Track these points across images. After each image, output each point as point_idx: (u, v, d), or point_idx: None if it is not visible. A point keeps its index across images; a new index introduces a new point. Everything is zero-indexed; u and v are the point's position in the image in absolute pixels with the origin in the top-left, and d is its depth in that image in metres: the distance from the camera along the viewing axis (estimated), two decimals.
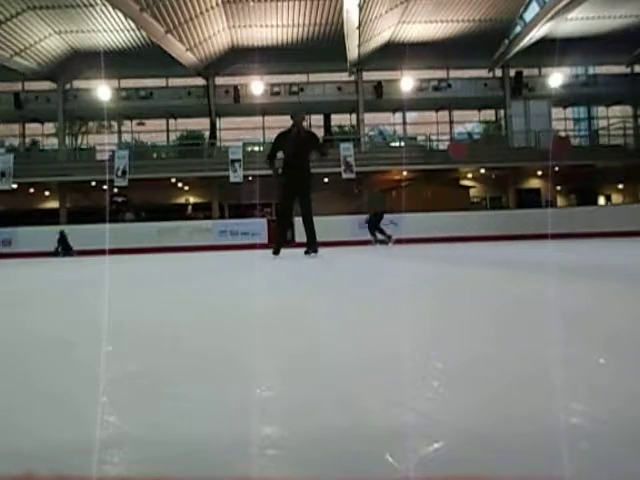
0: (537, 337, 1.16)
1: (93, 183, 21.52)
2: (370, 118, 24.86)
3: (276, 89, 23.55)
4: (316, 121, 25.65)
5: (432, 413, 0.66)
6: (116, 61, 22.62)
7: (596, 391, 0.74)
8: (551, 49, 19.65)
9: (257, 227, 17.34)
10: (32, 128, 26.00)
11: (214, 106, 23.68)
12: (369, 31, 19.94)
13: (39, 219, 21.29)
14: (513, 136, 23.30)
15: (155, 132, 26.47)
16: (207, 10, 19.67)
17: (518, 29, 21.01)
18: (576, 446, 0.54)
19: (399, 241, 12.23)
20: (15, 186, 21.02)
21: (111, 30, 21.23)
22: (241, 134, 26.02)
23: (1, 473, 0.52)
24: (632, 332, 1.17)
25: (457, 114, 26.05)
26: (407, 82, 23.08)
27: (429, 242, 13.91)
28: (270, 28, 21.93)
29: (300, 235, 6.99)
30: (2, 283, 4.42)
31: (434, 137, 25.01)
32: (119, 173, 20.50)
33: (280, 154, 6.57)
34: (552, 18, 18.15)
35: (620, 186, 25.05)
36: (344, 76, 23.17)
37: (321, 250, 6.64)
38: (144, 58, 22.53)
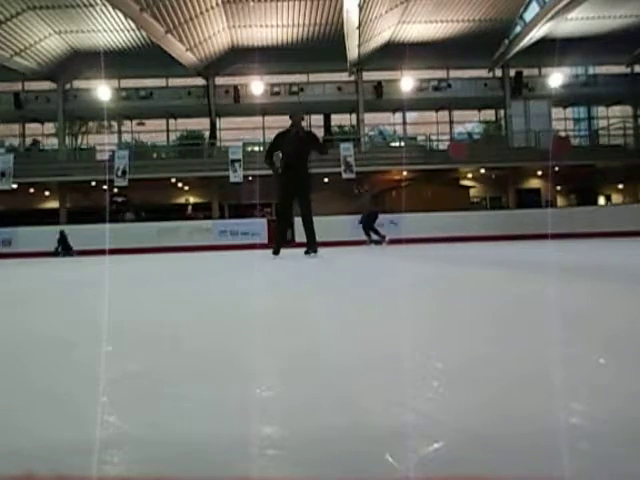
0: (537, 337, 1.16)
1: (93, 183, 21.52)
2: (370, 118, 24.86)
3: (276, 89, 23.56)
4: (316, 121, 25.65)
5: (432, 413, 0.66)
6: (116, 61, 22.62)
7: (596, 391, 0.74)
8: (551, 49, 19.65)
9: (257, 227, 17.34)
10: (32, 128, 26.01)
11: (214, 106, 23.68)
12: (369, 31, 19.94)
13: (39, 219, 21.30)
14: (513, 136, 23.31)
15: (155, 132, 26.48)
16: (207, 10, 19.68)
17: (518, 29, 21.01)
18: (576, 446, 0.54)
19: (398, 241, 12.23)
20: (15, 186, 21.02)
21: (111, 30, 21.23)
22: (241, 134, 26.02)
23: (1, 473, 0.52)
24: (632, 332, 1.17)
25: (457, 114, 26.05)
26: (407, 82, 23.08)
27: (429, 242, 13.92)
28: (270, 28, 21.94)
29: (300, 235, 6.99)
30: (2, 283, 4.42)
31: (434, 137, 25.01)
32: (119, 173, 20.51)
33: (279, 154, 6.57)
34: (552, 18, 18.15)
35: (620, 186, 25.05)
36: (344, 76, 23.17)
37: (321, 250, 6.64)
38: (144, 58, 22.53)
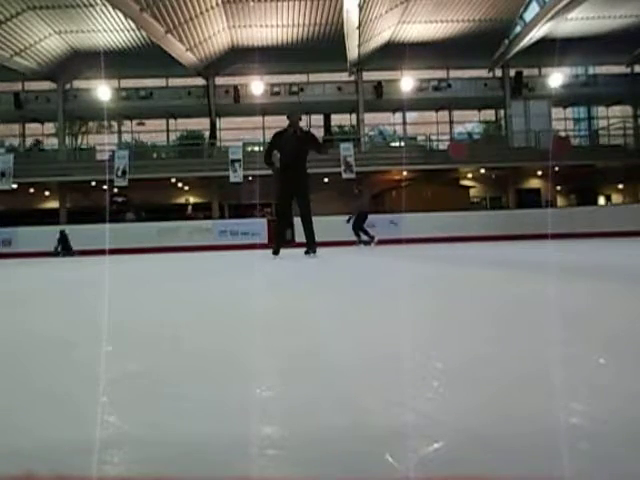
0: (537, 337, 1.16)
1: (93, 183, 21.52)
2: (370, 118, 24.86)
3: (276, 89, 23.56)
4: (316, 121, 25.65)
5: (432, 413, 0.66)
6: (116, 61, 22.62)
7: (596, 391, 0.74)
8: (551, 49, 19.65)
9: (257, 227, 17.35)
10: (32, 128, 26.01)
11: (214, 106, 23.68)
12: (369, 31, 19.95)
13: (39, 219, 21.30)
14: (513, 136, 23.31)
15: (155, 132, 26.48)
16: (207, 10, 19.68)
17: (518, 29, 21.01)
18: (576, 446, 0.54)
19: (398, 241, 12.23)
20: (15, 186, 21.02)
21: (111, 30, 21.24)
22: (241, 134, 26.02)
23: (1, 473, 0.52)
24: (632, 332, 1.17)
25: (457, 114, 26.05)
26: (407, 82, 23.08)
27: (429, 242, 13.92)
28: (270, 28, 21.94)
29: (300, 235, 6.99)
30: (2, 283, 4.42)
31: (434, 137, 25.01)
32: (119, 173, 20.51)
33: (277, 154, 6.57)
34: (552, 18, 18.15)
35: (620, 186, 25.06)
36: (344, 76, 23.17)
37: (321, 250, 6.64)
38: (144, 58, 22.53)
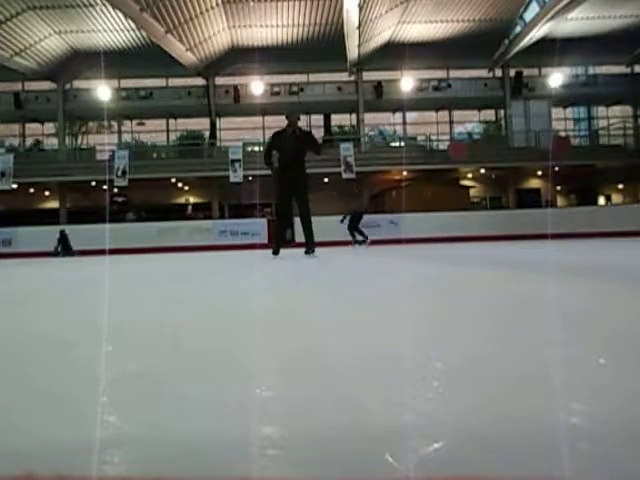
0: (537, 337, 1.16)
1: (93, 183, 21.52)
2: (370, 118, 24.86)
3: (276, 89, 23.56)
4: (316, 121, 25.65)
5: (432, 413, 0.66)
6: (116, 61, 22.63)
7: (596, 391, 0.74)
8: (551, 49, 19.66)
9: (257, 227, 17.35)
10: (32, 128, 26.01)
11: (214, 106, 23.68)
12: (369, 31, 19.95)
13: (39, 219, 21.31)
14: (513, 136, 23.31)
15: (155, 132, 26.48)
16: (207, 10, 19.68)
17: (518, 29, 21.01)
18: (576, 446, 0.54)
19: (398, 241, 12.25)
20: (15, 186, 21.02)
21: (111, 30, 21.24)
22: (241, 134, 26.03)
23: (1, 473, 0.52)
24: (632, 332, 1.17)
25: (457, 114, 26.06)
26: (407, 82, 23.08)
27: (429, 242, 13.92)
28: (270, 28, 21.94)
29: (300, 235, 6.99)
30: (2, 283, 4.42)
31: (434, 137, 25.01)
32: (119, 173, 20.51)
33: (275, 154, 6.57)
34: (552, 18, 18.16)
35: (620, 186, 25.06)
36: (344, 76, 23.17)
37: (322, 250, 6.64)
38: (144, 58, 22.53)
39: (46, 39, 21.34)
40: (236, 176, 20.64)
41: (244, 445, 0.59)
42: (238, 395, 0.77)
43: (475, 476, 0.50)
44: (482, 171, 22.79)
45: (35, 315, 1.93)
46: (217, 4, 19.79)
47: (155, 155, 26.59)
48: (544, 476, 0.50)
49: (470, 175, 23.52)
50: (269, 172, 6.70)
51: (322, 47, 22.56)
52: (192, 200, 24.51)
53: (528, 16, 19.97)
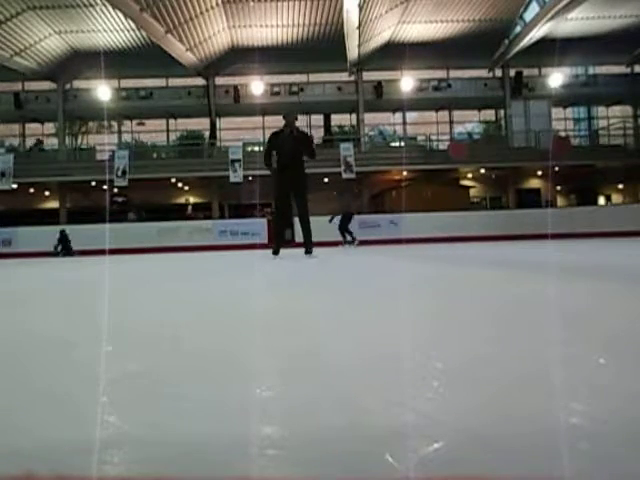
0: (537, 337, 1.16)
1: (93, 183, 21.52)
2: (370, 118, 24.86)
3: (276, 89, 23.56)
4: (316, 121, 25.66)
5: (432, 413, 0.66)
6: (116, 61, 22.63)
7: (596, 391, 0.74)
8: (551, 49, 19.66)
9: (257, 227, 17.35)
10: (32, 128, 26.01)
11: (214, 106, 23.68)
12: (369, 31, 19.95)
13: (39, 219, 21.31)
14: (513, 136, 23.31)
15: (155, 132, 26.48)
16: (207, 10, 19.68)
17: (518, 29, 21.01)
18: (576, 446, 0.54)
19: (398, 241, 12.25)
20: (15, 186, 21.02)
21: (111, 30, 21.24)
22: (241, 134, 26.02)
23: (1, 473, 0.52)
24: (632, 332, 1.17)
25: (457, 114, 26.05)
26: (407, 82, 23.08)
27: (429, 242, 13.92)
28: (270, 28, 21.94)
29: (301, 235, 6.98)
30: (2, 283, 4.42)
31: (434, 137, 25.01)
32: (119, 173, 20.51)
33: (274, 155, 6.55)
34: (552, 18, 18.16)
35: (620, 186, 25.06)
36: (344, 76, 23.17)
37: (321, 250, 6.64)
38: (144, 58, 22.53)
39: (46, 39, 21.34)
40: (236, 176, 20.64)
41: (244, 445, 0.59)
42: (238, 395, 0.77)
43: (475, 476, 0.50)
44: (482, 171, 22.79)
45: (35, 315, 1.93)
46: (217, 4, 19.79)
47: (155, 155, 26.59)
48: (544, 476, 0.50)
49: (470, 175, 23.52)
50: (269, 172, 6.69)
51: (322, 47, 22.56)
52: (192, 200, 24.52)
53: (528, 16, 19.97)
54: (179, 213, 23.07)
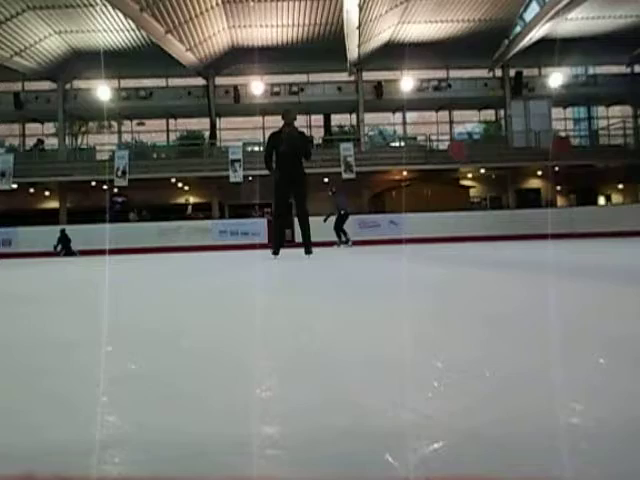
0: (537, 337, 1.16)
1: (93, 183, 21.52)
2: (370, 118, 24.85)
3: (276, 89, 23.55)
4: (316, 121, 25.65)
5: (432, 413, 0.66)
6: (116, 61, 22.62)
7: (596, 391, 0.74)
8: (551, 49, 19.64)
9: (257, 227, 17.35)
10: (32, 128, 25.99)
11: (214, 106, 23.67)
12: (369, 31, 19.94)
13: (39, 219, 21.31)
14: (513, 136, 23.31)
15: (155, 132, 26.47)
16: (207, 10, 19.67)
17: (518, 29, 21.01)
18: (576, 446, 0.54)
19: (398, 241, 12.24)
20: (15, 186, 21.02)
21: (111, 30, 21.23)
22: (241, 134, 26.02)
23: (1, 473, 0.52)
24: (632, 332, 1.17)
25: (457, 114, 26.04)
26: (407, 82, 23.07)
27: (429, 242, 13.91)
28: (270, 28, 21.93)
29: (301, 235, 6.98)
30: (3, 283, 4.42)
31: (434, 137, 25.01)
32: (119, 173, 20.51)
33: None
34: (552, 18, 18.15)
35: (620, 186, 25.06)
36: (344, 76, 23.17)
37: (322, 250, 6.64)
38: (144, 58, 22.52)
39: (46, 39, 21.34)
40: (236, 176, 20.64)
41: (244, 445, 0.59)
42: (238, 395, 0.77)
43: (475, 476, 0.50)
44: (482, 171, 22.79)
45: (35, 315, 1.93)
46: (217, 4, 19.79)
47: (155, 155, 26.58)
48: (544, 476, 0.50)
49: (470, 175, 23.52)
50: (269, 172, 6.67)
51: (322, 47, 22.55)
52: (192, 200, 24.52)
53: (528, 16, 19.96)
54: (179, 213, 23.08)
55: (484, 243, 12.20)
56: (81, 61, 23.12)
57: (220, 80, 23.88)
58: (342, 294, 2.34)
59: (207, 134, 24.90)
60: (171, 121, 26.05)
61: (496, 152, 22.15)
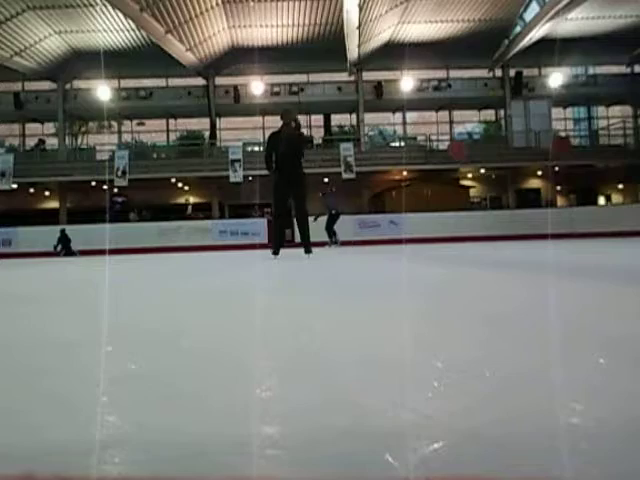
0: (537, 337, 1.16)
1: (93, 183, 21.52)
2: (370, 118, 24.85)
3: (276, 89, 23.55)
4: (316, 121, 25.65)
5: (432, 413, 0.66)
6: (116, 61, 22.62)
7: (596, 391, 0.74)
8: (551, 49, 19.64)
9: (257, 227, 17.36)
10: (32, 128, 25.99)
11: (214, 106, 23.67)
12: (369, 31, 19.94)
13: (39, 219, 21.31)
14: (513, 136, 23.30)
15: (155, 132, 26.47)
16: (207, 10, 19.67)
17: (518, 29, 21.01)
18: (576, 446, 0.54)
19: (398, 241, 12.24)
20: (15, 186, 21.02)
21: (111, 30, 21.23)
22: (241, 134, 26.02)
23: (1, 473, 0.52)
24: (632, 332, 1.17)
25: (457, 114, 26.04)
26: (407, 82, 23.06)
27: (429, 242, 13.91)
28: (270, 28, 21.93)
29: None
30: (3, 283, 4.42)
31: (434, 137, 25.01)
32: (119, 173, 20.51)
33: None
34: (552, 18, 18.15)
35: (620, 186, 25.06)
36: (344, 76, 23.17)
37: (322, 250, 6.63)
38: (144, 58, 22.52)
39: (46, 39, 21.34)
40: (236, 176, 20.64)
41: (244, 445, 0.59)
42: (239, 395, 0.77)
43: (475, 476, 0.50)
44: (482, 171, 22.78)
45: (35, 315, 1.93)
46: (217, 4, 19.78)
47: (155, 155, 26.58)
48: (544, 476, 0.50)
49: (470, 175, 23.52)
50: (268, 173, 6.66)
51: (322, 47, 22.54)
52: (192, 200, 24.52)
53: (528, 16, 19.96)
54: (179, 213, 23.08)
55: (484, 243, 12.20)
56: (81, 61, 23.12)
57: (220, 80, 23.88)
58: (342, 294, 2.34)
59: (207, 134, 24.90)
60: (171, 121, 26.06)
61: (496, 152, 22.15)
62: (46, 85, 23.68)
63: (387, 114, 25.86)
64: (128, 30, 20.95)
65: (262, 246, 12.92)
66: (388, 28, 21.61)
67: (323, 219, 12.59)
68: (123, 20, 19.29)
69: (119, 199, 23.20)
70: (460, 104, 24.61)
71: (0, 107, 23.24)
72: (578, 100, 25.51)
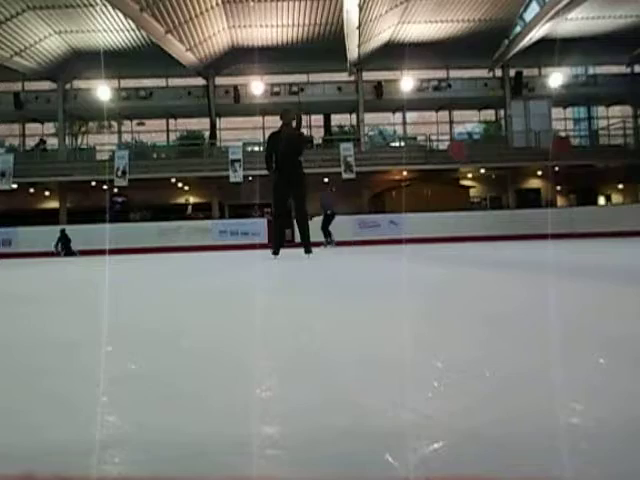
0: (537, 337, 1.16)
1: (93, 183, 21.52)
2: (370, 118, 24.85)
3: (276, 89, 23.55)
4: (316, 121, 25.64)
5: (432, 413, 0.66)
6: (116, 61, 22.62)
7: (596, 391, 0.74)
8: (551, 49, 19.64)
9: (257, 227, 17.36)
10: (32, 128, 25.99)
11: (214, 106, 23.67)
12: (369, 31, 19.94)
13: (39, 219, 21.31)
14: (513, 136, 23.30)
15: (155, 132, 26.47)
16: (207, 10, 19.67)
17: (518, 29, 21.01)
18: (576, 446, 0.54)
19: (398, 241, 12.24)
20: (15, 186, 21.02)
21: (111, 30, 21.23)
22: (241, 134, 26.02)
23: (1, 473, 0.52)
24: (632, 332, 1.17)
25: (457, 114, 26.04)
26: (407, 82, 23.06)
27: (429, 242, 13.91)
28: (270, 28, 21.93)
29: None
30: (3, 283, 4.42)
31: (434, 137, 25.00)
32: (119, 173, 20.51)
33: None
34: (552, 18, 18.15)
35: (620, 186, 25.06)
36: (344, 76, 23.16)
37: (320, 250, 6.63)
38: (144, 58, 22.52)
39: (46, 39, 21.34)
40: (236, 176, 20.64)
41: (244, 445, 0.59)
42: (239, 395, 0.77)
43: (475, 476, 0.50)
44: (482, 171, 22.78)
45: (36, 315, 1.93)
46: (217, 4, 19.78)
47: (155, 155, 26.58)
48: (544, 476, 0.50)
49: (470, 175, 23.51)
50: (268, 173, 6.66)
51: (322, 47, 22.54)
52: (192, 200, 24.52)
53: (528, 16, 19.96)
54: (179, 213, 23.08)
55: (484, 243, 12.20)
56: (81, 61, 23.12)
57: (220, 80, 23.88)
58: (342, 294, 2.34)
59: (207, 134, 24.90)
60: (171, 121, 26.05)
61: (496, 152, 22.15)
62: (46, 85, 23.68)
63: (387, 114, 25.86)
64: (128, 30, 20.95)
65: (262, 246, 12.92)
66: (388, 28, 21.60)
67: (318, 219, 12.58)
68: (123, 20, 19.28)
69: (119, 199, 23.20)
70: (460, 104, 24.61)
71: (0, 107, 23.24)
72: (578, 100, 25.51)
